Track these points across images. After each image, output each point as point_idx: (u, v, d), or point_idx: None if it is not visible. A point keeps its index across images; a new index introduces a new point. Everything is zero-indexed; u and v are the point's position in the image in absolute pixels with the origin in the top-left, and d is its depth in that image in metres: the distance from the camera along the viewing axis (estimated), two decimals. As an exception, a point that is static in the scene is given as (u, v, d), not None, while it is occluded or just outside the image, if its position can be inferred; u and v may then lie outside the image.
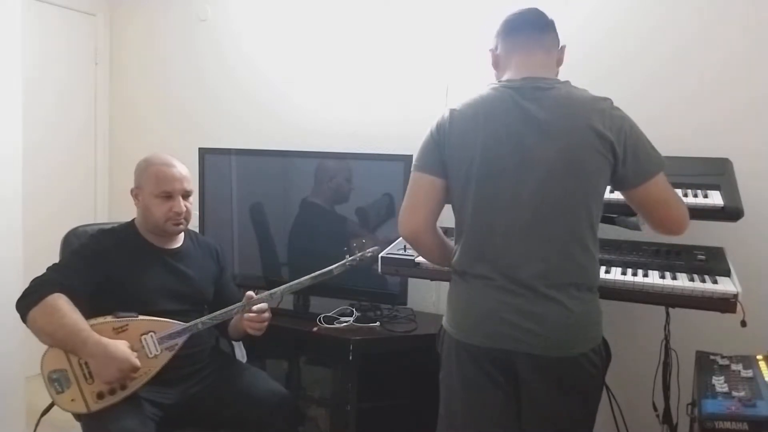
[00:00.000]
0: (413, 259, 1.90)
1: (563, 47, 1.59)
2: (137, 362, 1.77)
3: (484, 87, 1.53)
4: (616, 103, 1.47)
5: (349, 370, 2.22)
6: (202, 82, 3.24)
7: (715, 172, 1.91)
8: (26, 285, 1.83)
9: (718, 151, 2.02)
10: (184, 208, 1.97)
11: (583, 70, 1.62)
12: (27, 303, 1.77)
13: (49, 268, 1.88)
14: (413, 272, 1.93)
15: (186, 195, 1.99)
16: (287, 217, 2.63)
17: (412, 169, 1.57)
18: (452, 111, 1.52)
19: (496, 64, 1.61)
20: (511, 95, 1.46)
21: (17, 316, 1.78)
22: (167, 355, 1.86)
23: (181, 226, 1.99)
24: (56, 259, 1.97)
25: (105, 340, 1.75)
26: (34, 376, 2.85)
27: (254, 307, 1.96)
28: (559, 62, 1.59)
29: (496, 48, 1.60)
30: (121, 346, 1.77)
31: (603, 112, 1.42)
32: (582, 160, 1.41)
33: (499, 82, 1.54)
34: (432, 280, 2.10)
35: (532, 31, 1.54)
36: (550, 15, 1.59)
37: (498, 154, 1.45)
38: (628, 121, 1.44)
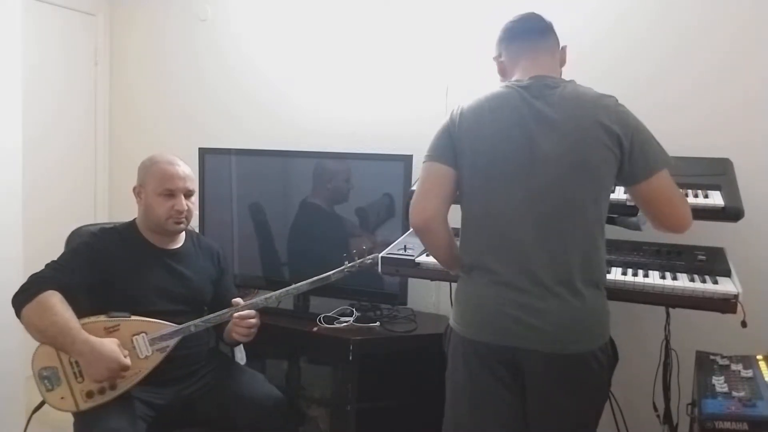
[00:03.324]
0: (413, 259, 1.90)
1: (564, 47, 1.62)
2: (126, 361, 1.77)
3: (495, 86, 1.55)
4: (615, 103, 1.48)
5: (349, 370, 2.22)
6: (202, 82, 3.24)
7: (716, 172, 1.91)
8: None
9: (719, 151, 2.02)
10: (186, 207, 1.97)
11: (581, 69, 1.62)
12: (22, 300, 1.77)
13: (47, 265, 1.88)
14: (413, 272, 1.92)
15: (188, 194, 2.00)
16: (287, 216, 2.63)
17: (423, 159, 1.57)
18: (462, 106, 1.56)
19: (503, 71, 1.63)
20: (519, 93, 1.49)
21: (18, 315, 1.79)
22: (159, 357, 1.86)
23: (182, 225, 1.99)
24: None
25: (93, 338, 1.75)
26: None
27: (237, 314, 1.95)
28: (562, 62, 1.62)
29: (500, 56, 1.63)
30: (109, 345, 1.76)
31: (608, 108, 1.44)
32: (591, 155, 1.42)
33: (509, 81, 1.56)
34: (432, 280, 2.10)
35: (533, 36, 1.57)
36: (549, 16, 1.60)
37: (506, 150, 1.47)
38: (633, 117, 1.47)
